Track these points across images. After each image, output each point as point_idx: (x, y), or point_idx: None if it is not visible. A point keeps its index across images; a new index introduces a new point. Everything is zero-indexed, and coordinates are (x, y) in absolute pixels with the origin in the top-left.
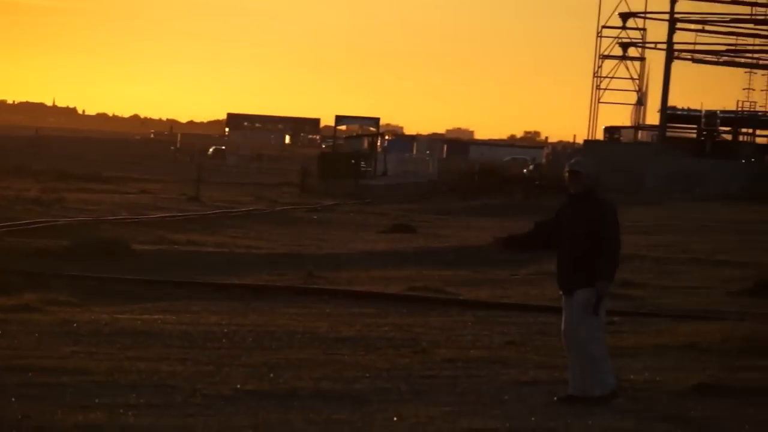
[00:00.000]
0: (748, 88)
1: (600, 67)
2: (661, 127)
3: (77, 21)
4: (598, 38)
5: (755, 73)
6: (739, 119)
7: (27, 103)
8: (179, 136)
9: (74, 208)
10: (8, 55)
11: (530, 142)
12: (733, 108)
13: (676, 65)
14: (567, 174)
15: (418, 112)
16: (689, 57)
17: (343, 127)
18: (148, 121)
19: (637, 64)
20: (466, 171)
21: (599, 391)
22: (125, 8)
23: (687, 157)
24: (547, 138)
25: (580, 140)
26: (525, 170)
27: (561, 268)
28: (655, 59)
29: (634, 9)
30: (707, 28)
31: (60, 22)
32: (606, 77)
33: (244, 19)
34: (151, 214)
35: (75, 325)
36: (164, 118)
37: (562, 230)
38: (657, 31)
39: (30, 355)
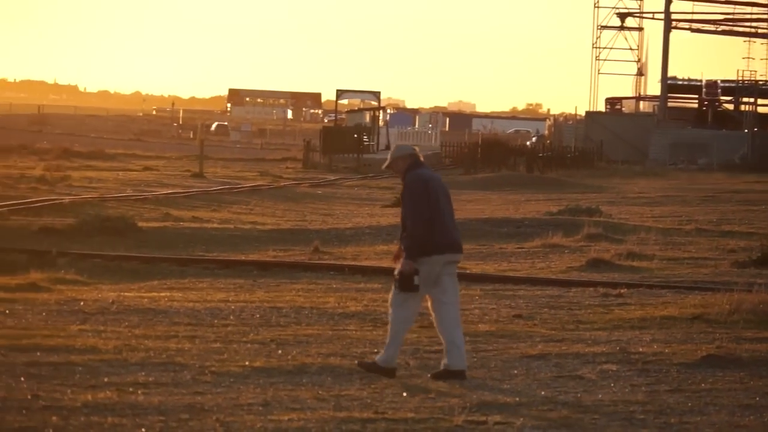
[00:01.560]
0: (748, 57)
1: (599, 38)
2: (662, 98)
3: None
4: (596, 9)
5: (754, 42)
6: (739, 89)
7: (28, 81)
8: (181, 112)
9: (79, 186)
10: (8, 32)
11: (532, 114)
12: (734, 77)
13: (675, 35)
14: None
15: (420, 86)
16: (687, 27)
17: (345, 102)
18: (149, 98)
19: (635, 34)
20: (469, 144)
21: (379, 358)
22: None
23: (689, 128)
24: (549, 110)
25: (581, 112)
26: (528, 142)
27: None
28: (654, 30)
29: None
30: None
31: None
32: (605, 48)
33: None
34: (156, 191)
35: (82, 303)
36: (166, 95)
37: None
38: (654, 1)
39: (38, 334)
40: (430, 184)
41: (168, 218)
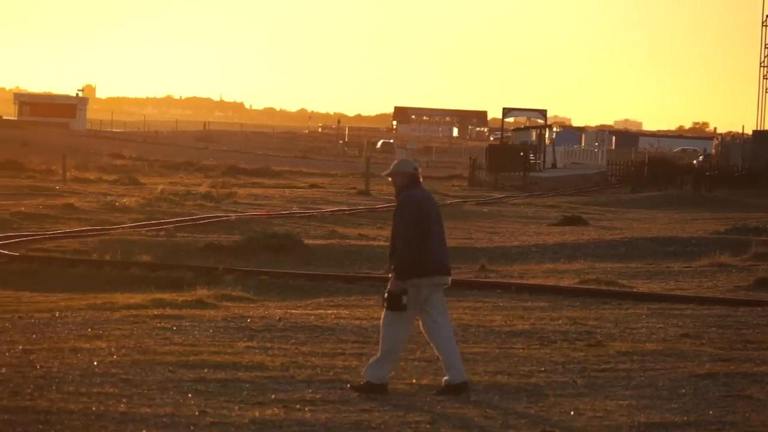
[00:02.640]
0: None
1: (766, 56)
2: None
3: (243, 15)
4: (763, 27)
5: None
6: None
7: (195, 98)
8: (347, 129)
9: (245, 202)
10: (176, 50)
11: (698, 133)
12: None
13: None
14: None
15: (586, 104)
16: None
17: (511, 120)
18: (315, 115)
19: None
20: (635, 162)
21: (369, 377)
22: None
23: None
24: (715, 129)
25: (748, 131)
26: (695, 161)
27: None
28: None
29: None
30: None
31: (226, 17)
32: None
33: (411, 12)
34: (322, 208)
35: (249, 320)
36: (331, 112)
37: None
38: None
39: (205, 350)
40: (423, 206)
41: (334, 235)
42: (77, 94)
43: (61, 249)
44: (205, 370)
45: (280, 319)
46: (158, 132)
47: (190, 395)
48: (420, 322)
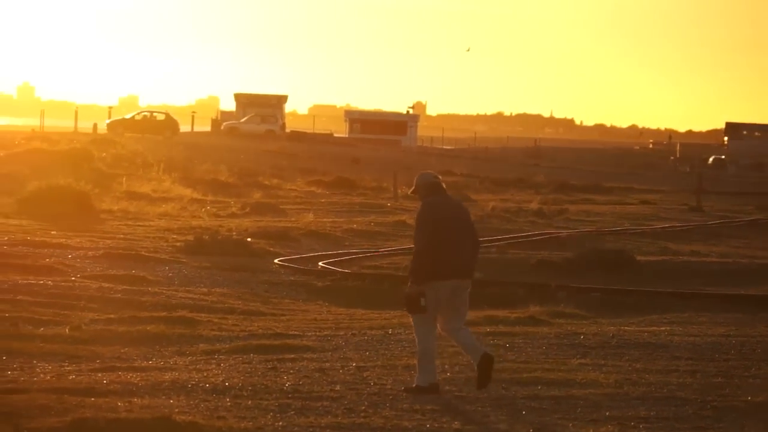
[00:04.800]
0: None
1: None
2: None
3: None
4: None
5: None
6: None
7: (524, 114)
8: (678, 146)
9: (576, 219)
10: (504, 68)
11: None
12: None
13: None
14: None
15: None
16: None
17: None
18: (645, 132)
19: None
20: None
21: (417, 381)
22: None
23: None
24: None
25: None
26: None
27: None
28: None
29: None
30: None
31: (548, 35)
32: None
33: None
34: (653, 224)
35: (582, 337)
36: (662, 128)
37: None
38: None
39: (538, 368)
40: (440, 212)
41: (666, 252)
42: (408, 112)
43: (393, 266)
44: (539, 387)
45: (613, 336)
46: (488, 148)
47: (524, 412)
48: (439, 324)
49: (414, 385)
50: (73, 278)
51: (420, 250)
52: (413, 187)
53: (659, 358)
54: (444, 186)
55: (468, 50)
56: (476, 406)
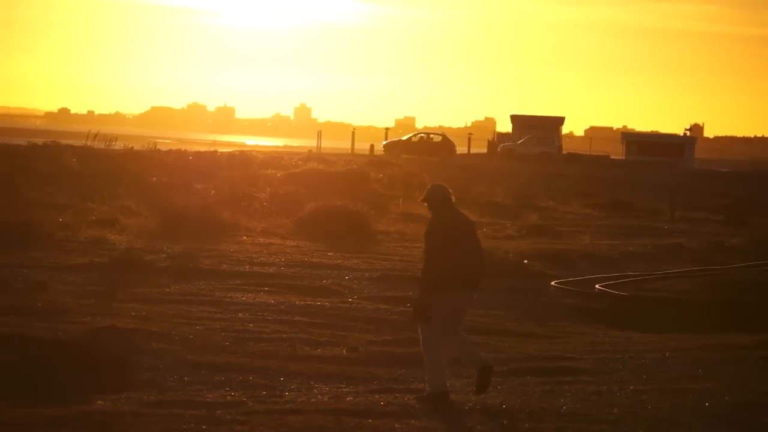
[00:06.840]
0: None
1: None
2: None
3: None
4: None
5: None
6: None
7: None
8: None
9: None
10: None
11: None
12: None
13: None
14: None
15: None
16: None
17: None
18: None
19: None
20: None
21: (428, 389)
22: None
23: None
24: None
25: None
26: None
27: None
28: None
29: None
30: None
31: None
32: None
33: None
34: None
35: None
36: None
37: None
38: None
39: None
40: (449, 226)
41: None
42: (685, 134)
43: (670, 288)
44: None
45: None
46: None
47: None
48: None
49: (426, 394)
50: (349, 299)
51: (431, 261)
52: (424, 196)
53: None
54: (453, 199)
55: None
56: None
